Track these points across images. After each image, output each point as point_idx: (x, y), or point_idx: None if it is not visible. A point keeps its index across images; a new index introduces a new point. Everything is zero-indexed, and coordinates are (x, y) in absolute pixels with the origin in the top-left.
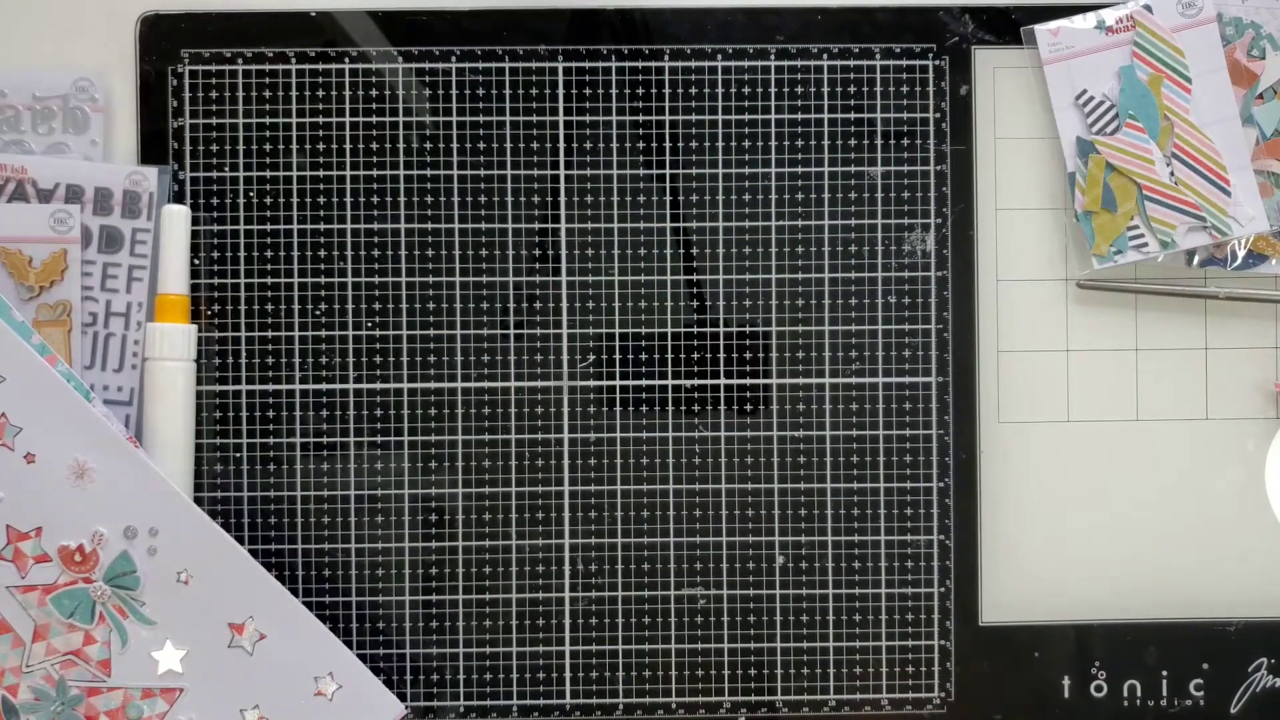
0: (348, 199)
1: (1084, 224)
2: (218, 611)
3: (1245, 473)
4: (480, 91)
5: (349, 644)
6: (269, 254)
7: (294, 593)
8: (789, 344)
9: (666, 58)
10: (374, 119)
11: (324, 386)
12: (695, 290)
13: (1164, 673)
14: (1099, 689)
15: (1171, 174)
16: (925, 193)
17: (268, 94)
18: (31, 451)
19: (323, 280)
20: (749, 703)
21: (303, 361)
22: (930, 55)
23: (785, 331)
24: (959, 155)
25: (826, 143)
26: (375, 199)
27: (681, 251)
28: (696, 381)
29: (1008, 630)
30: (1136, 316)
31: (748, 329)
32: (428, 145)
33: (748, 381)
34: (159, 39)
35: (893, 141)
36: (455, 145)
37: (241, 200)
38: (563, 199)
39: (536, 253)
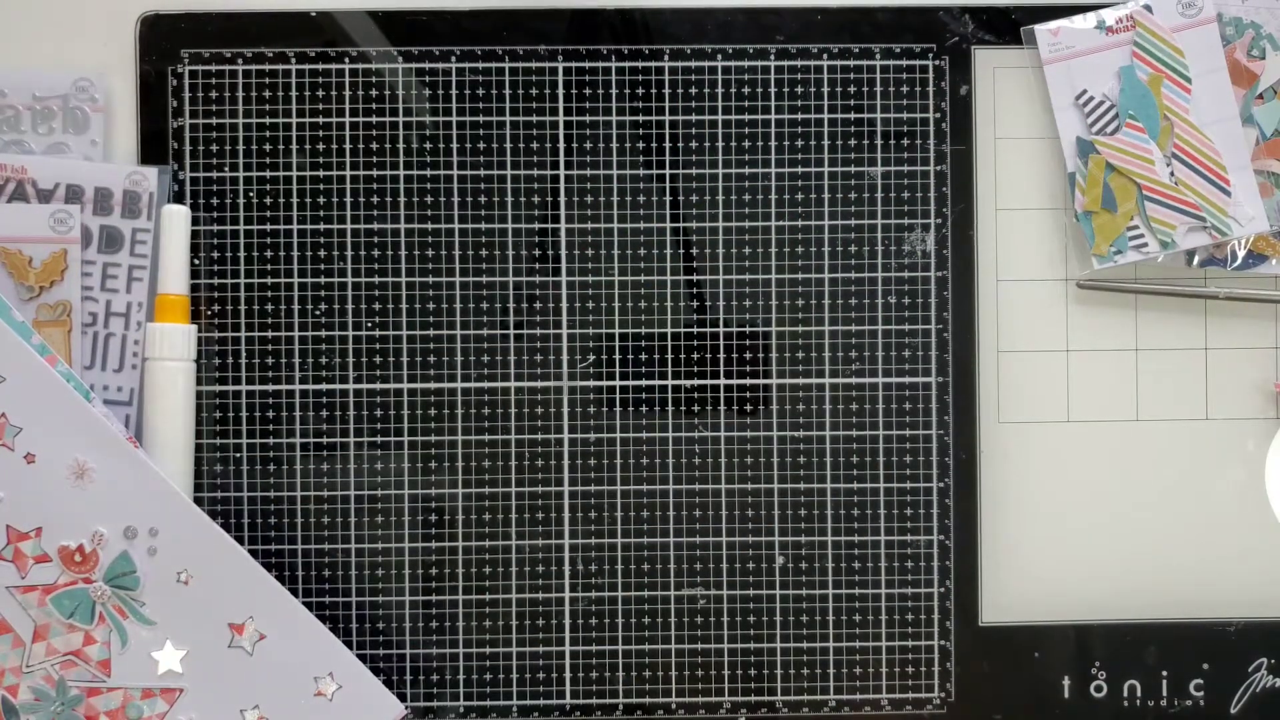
0: (348, 199)
1: (1084, 224)
2: (218, 611)
3: (1245, 473)
4: (480, 91)
5: (349, 644)
6: (269, 254)
7: (294, 593)
8: (789, 344)
9: (666, 58)
10: (374, 119)
11: (324, 386)
12: (695, 290)
13: (1164, 673)
14: (1099, 689)
15: (1171, 174)
16: (925, 193)
17: (268, 94)
18: (31, 452)
19: (323, 280)
20: (749, 703)
21: (303, 361)
22: (930, 55)
23: (785, 331)
24: (959, 155)
25: (826, 143)
26: (375, 199)
27: (681, 251)
28: (696, 381)
29: (1008, 630)
30: (1136, 316)
31: (748, 329)
32: (428, 145)
33: (748, 381)
34: (159, 39)
35: (893, 141)
36: (455, 145)
37: (241, 200)
38: (563, 199)
39: (536, 253)
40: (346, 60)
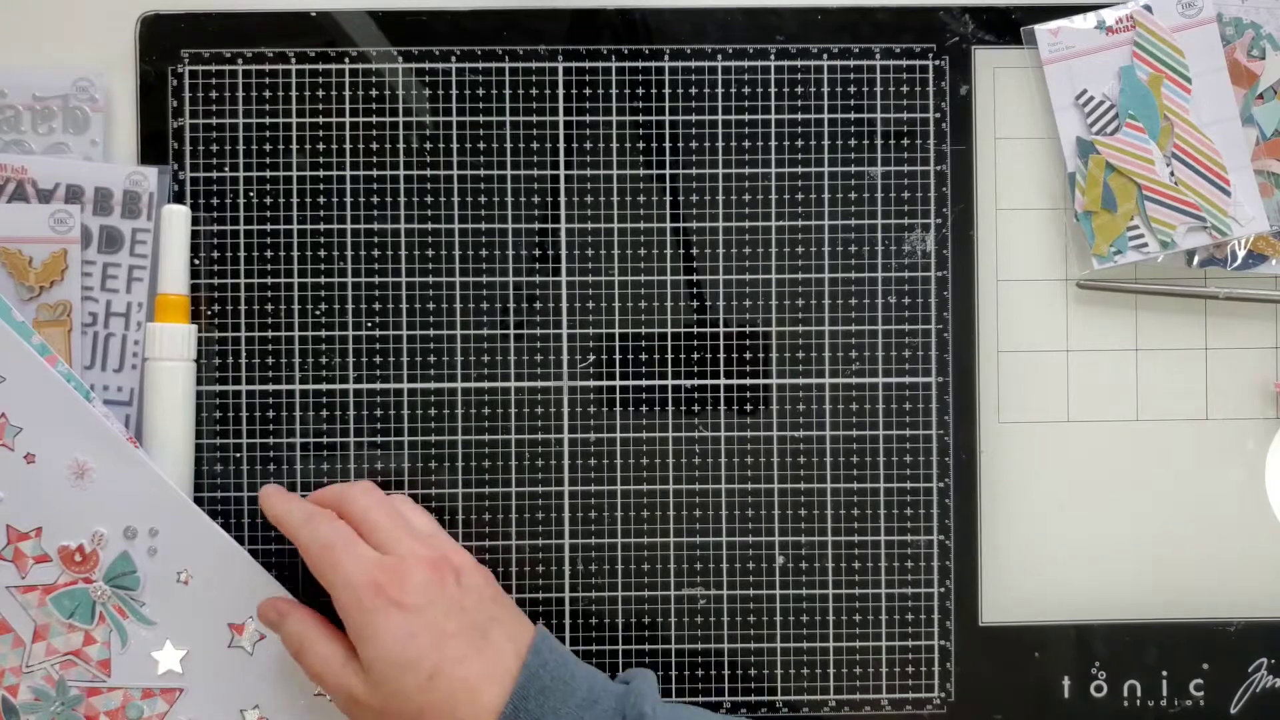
0: (348, 199)
1: (1084, 224)
2: (218, 611)
3: (1245, 473)
4: (480, 91)
5: None
6: (269, 254)
7: (295, 593)
8: (789, 344)
9: (666, 58)
10: (374, 119)
11: (324, 386)
12: (695, 290)
13: (1164, 673)
14: (1099, 689)
15: (1171, 174)
16: (925, 193)
17: (268, 94)
18: (31, 452)
19: (323, 280)
20: (749, 703)
21: (303, 361)
22: (930, 55)
23: (785, 331)
24: (959, 155)
25: (826, 143)
26: (375, 199)
27: (681, 251)
28: (696, 381)
29: (1008, 630)
30: (1136, 316)
31: (748, 329)
32: (428, 145)
33: (748, 381)
34: (159, 39)
35: (893, 141)
36: (455, 145)
37: (241, 200)
38: (563, 199)
39: (536, 253)
40: (346, 60)
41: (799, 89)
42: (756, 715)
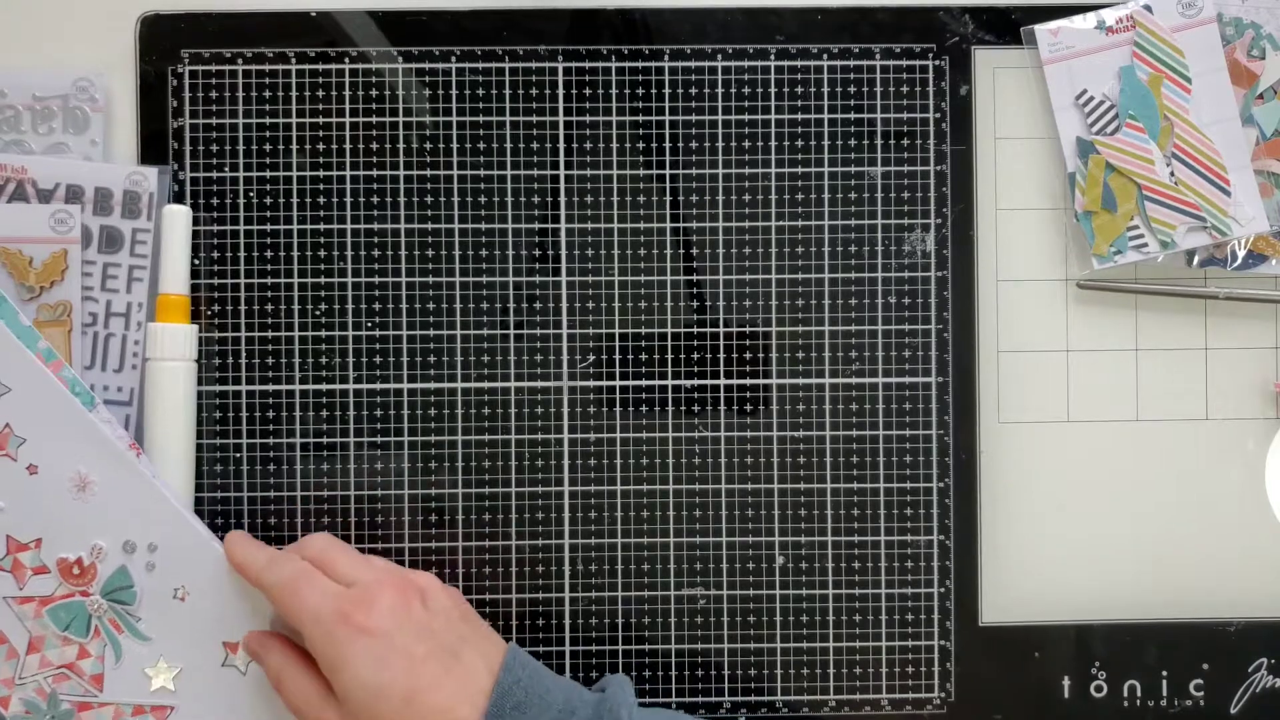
0: (348, 199)
1: (1084, 224)
2: (213, 629)
3: (1245, 473)
4: (480, 91)
5: None
6: (269, 254)
7: None
8: (789, 344)
9: (666, 58)
10: (374, 119)
11: (324, 386)
12: (695, 290)
13: (1164, 673)
14: (1099, 689)
15: (1171, 174)
16: (925, 193)
17: (268, 94)
18: (34, 463)
19: (323, 280)
20: (749, 703)
21: (303, 361)
22: (930, 55)
23: (785, 331)
24: (959, 155)
25: (826, 143)
26: (375, 199)
27: (681, 251)
28: (696, 381)
29: (1008, 630)
30: (1136, 316)
31: (748, 329)
32: (428, 145)
33: (748, 381)
34: (159, 39)
35: (893, 141)
36: (455, 145)
37: (241, 200)
38: (563, 199)
39: (536, 253)
40: (346, 60)
41: (799, 89)
42: (756, 715)
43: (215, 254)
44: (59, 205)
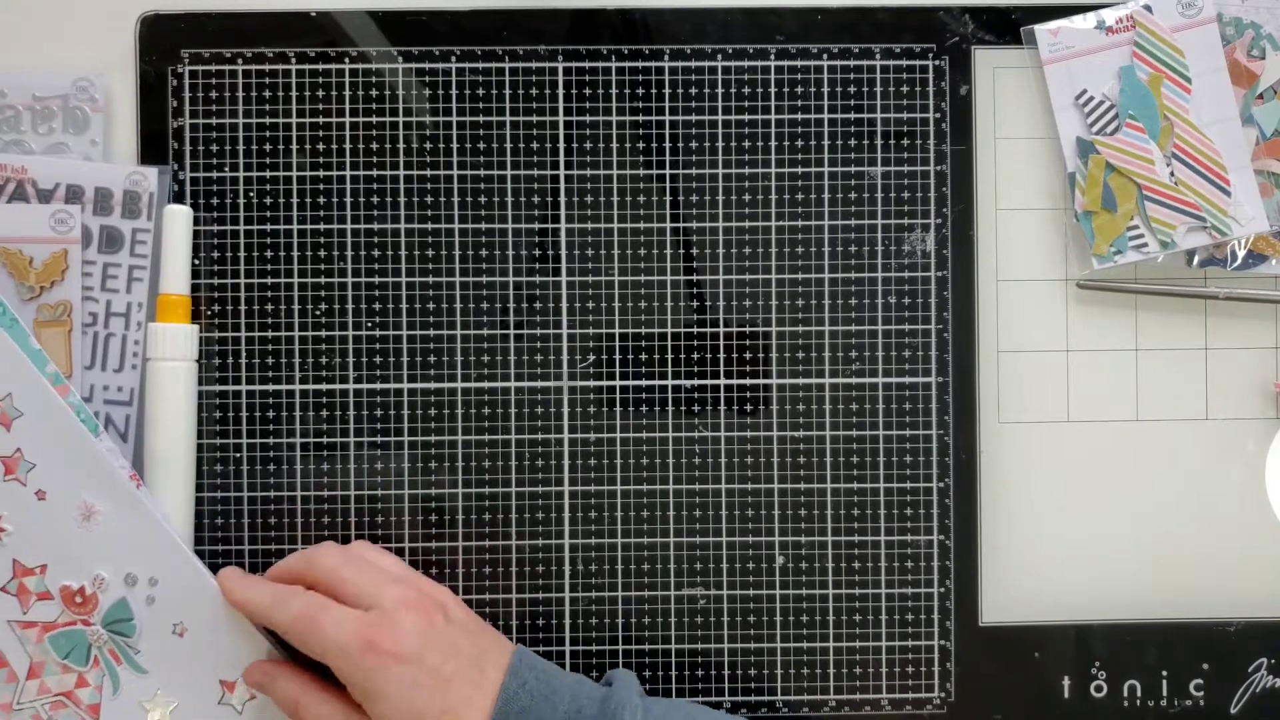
0: (348, 199)
1: (1084, 224)
2: (210, 666)
3: (1245, 473)
4: (480, 91)
5: None
6: (269, 254)
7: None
8: (789, 344)
9: (666, 58)
10: (374, 119)
11: (324, 386)
12: (695, 290)
13: (1164, 673)
14: (1099, 689)
15: (1171, 174)
16: (925, 193)
17: (268, 94)
18: (43, 489)
19: (323, 280)
20: (749, 703)
21: (303, 361)
22: (930, 55)
23: (785, 331)
24: (959, 155)
25: (826, 143)
26: (375, 199)
27: (681, 251)
28: (696, 381)
29: (1008, 630)
30: (1136, 316)
31: (748, 329)
32: (428, 145)
33: (748, 381)
34: (159, 39)
35: (893, 141)
36: (455, 145)
37: (241, 200)
38: (563, 199)
39: (536, 253)
40: (346, 60)
41: (799, 89)
42: (756, 715)
43: (215, 254)
44: (59, 205)
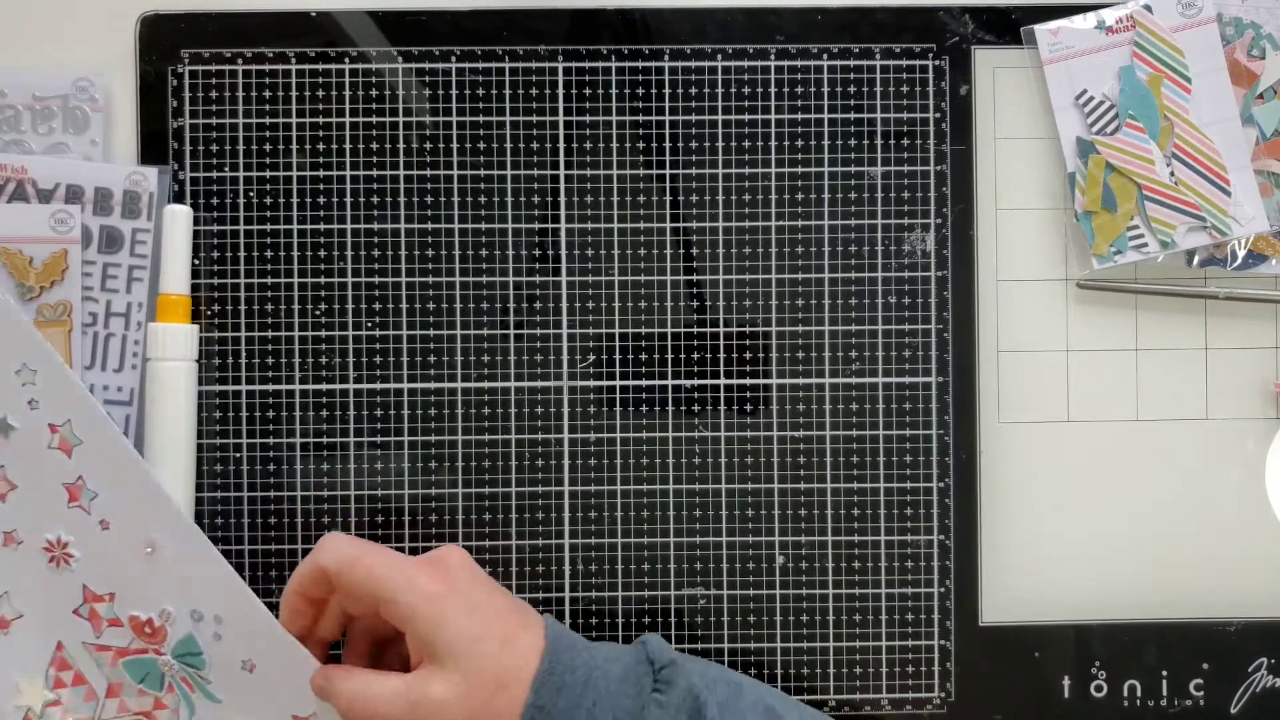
0: (348, 199)
1: (1084, 224)
2: (283, 702)
3: (1245, 473)
4: (480, 91)
5: None
6: (269, 254)
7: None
8: (789, 344)
9: (666, 58)
10: (374, 119)
11: (324, 386)
12: (695, 290)
13: (1164, 673)
14: (1099, 689)
15: (1171, 174)
16: (925, 193)
17: (268, 94)
18: (106, 519)
19: (323, 280)
20: None
21: (303, 361)
22: (930, 55)
23: (785, 331)
24: (959, 155)
25: (826, 143)
26: (375, 199)
27: (681, 251)
28: (696, 381)
29: (1008, 630)
30: (1136, 316)
31: (748, 329)
32: (428, 145)
33: (748, 381)
34: (159, 39)
35: (893, 141)
36: (455, 145)
37: (241, 200)
38: (563, 199)
39: (536, 253)
40: (346, 60)
41: (799, 89)
42: None
43: (215, 254)
44: (59, 205)
